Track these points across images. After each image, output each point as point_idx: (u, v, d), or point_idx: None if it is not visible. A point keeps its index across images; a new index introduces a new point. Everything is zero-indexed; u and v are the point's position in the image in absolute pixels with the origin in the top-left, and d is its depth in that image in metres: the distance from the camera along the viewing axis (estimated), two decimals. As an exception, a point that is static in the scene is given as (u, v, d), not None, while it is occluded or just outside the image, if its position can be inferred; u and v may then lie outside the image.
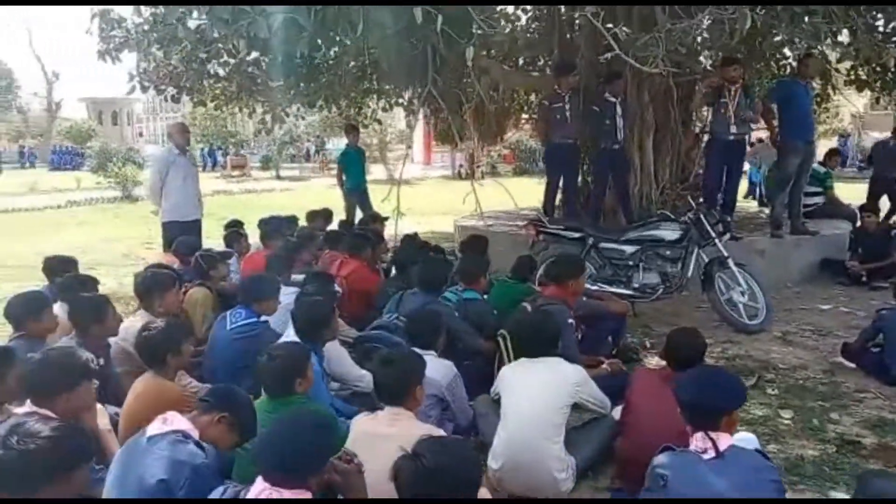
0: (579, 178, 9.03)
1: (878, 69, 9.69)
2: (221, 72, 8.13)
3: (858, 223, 8.49)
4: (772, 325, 6.47)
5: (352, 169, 10.58)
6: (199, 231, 7.89)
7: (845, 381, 5.12)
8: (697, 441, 2.65)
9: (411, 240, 6.46)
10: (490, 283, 5.74)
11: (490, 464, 3.47)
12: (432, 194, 21.76)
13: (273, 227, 7.46)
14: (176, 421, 2.64)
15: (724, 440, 2.62)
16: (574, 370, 3.65)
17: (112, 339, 4.14)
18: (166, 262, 6.53)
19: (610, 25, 5.86)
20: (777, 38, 7.69)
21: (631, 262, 6.62)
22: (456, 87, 8.51)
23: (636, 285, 6.53)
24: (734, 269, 6.53)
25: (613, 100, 8.15)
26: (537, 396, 3.46)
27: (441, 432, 3.17)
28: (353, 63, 8.67)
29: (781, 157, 8.29)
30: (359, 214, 10.54)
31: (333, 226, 9.02)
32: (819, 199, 9.88)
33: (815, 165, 9.19)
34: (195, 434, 2.63)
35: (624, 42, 5.99)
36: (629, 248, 6.65)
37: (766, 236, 8.40)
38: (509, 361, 4.57)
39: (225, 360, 4.51)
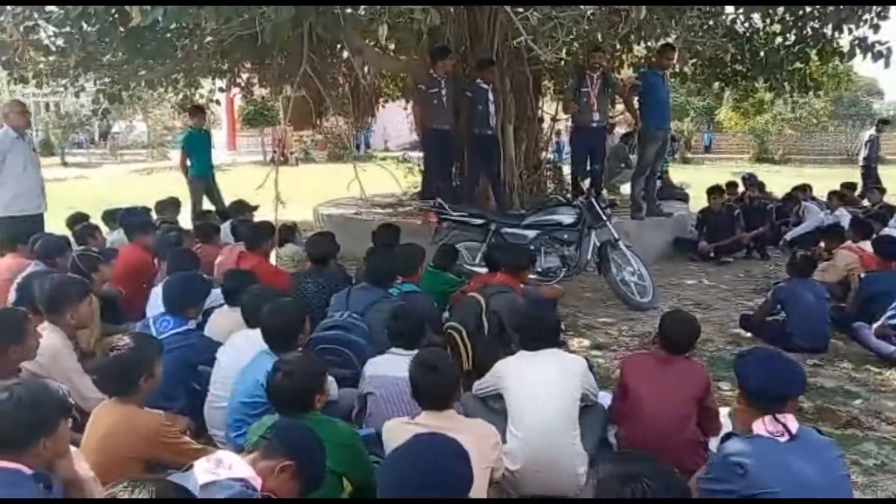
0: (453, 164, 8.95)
1: (706, 64, 10.62)
2: (59, 43, 6.99)
3: (706, 204, 9.24)
4: (658, 302, 6.86)
5: (198, 153, 9.63)
6: (43, 226, 6.77)
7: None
8: (767, 425, 2.65)
9: (326, 234, 5.98)
10: None
11: (507, 466, 3.29)
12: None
13: (140, 219, 6.59)
14: (235, 466, 2.16)
15: (792, 422, 2.66)
16: (576, 360, 3.56)
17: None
18: (13, 265, 5.54)
19: (521, 10, 5.83)
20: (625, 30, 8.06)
21: (532, 247, 6.66)
22: (329, 66, 8.05)
23: (539, 269, 6.59)
24: (624, 249, 6.83)
25: (486, 87, 8.17)
26: (555, 392, 3.32)
27: (492, 427, 2.96)
28: (210, 38, 7.86)
29: (641, 144, 8.80)
30: (206, 203, 9.72)
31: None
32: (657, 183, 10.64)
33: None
34: (258, 483, 2.17)
35: (530, 28, 5.99)
36: (531, 233, 6.70)
37: (627, 218, 8.90)
38: (467, 356, 4.44)
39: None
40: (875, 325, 5.21)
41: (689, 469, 3.04)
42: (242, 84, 11.39)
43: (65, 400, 2.39)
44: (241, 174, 20.66)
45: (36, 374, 3.44)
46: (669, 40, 8.83)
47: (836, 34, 9.26)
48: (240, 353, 3.77)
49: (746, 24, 10.30)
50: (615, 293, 6.71)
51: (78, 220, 6.94)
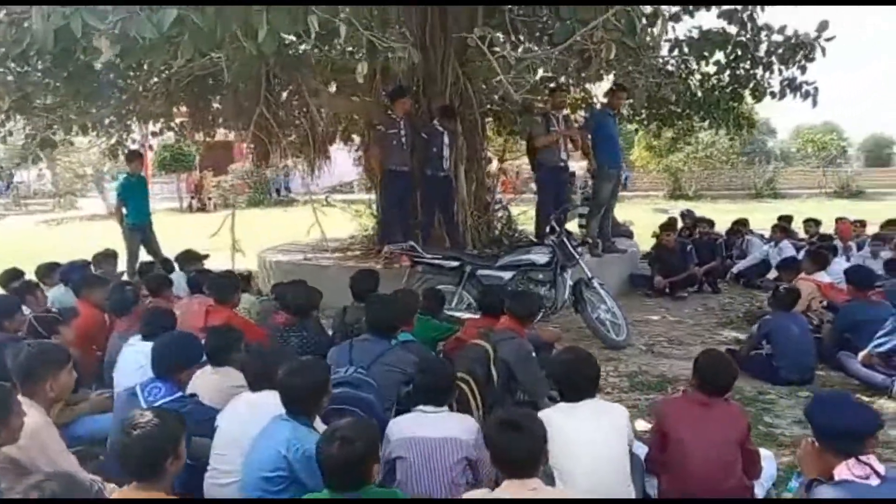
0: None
1: (644, 104, 10.89)
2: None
3: (658, 241, 9.36)
4: (632, 339, 6.81)
5: (134, 201, 9.03)
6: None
7: (742, 385, 5.50)
8: (853, 468, 2.55)
9: (301, 283, 5.61)
10: None
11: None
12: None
13: (89, 275, 6.06)
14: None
15: (878, 464, 2.56)
16: (619, 409, 3.38)
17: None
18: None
19: (497, 49, 5.76)
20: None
21: (509, 288, 6.51)
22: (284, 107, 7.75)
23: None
24: (598, 287, 6.77)
25: (442, 130, 8.08)
26: (606, 446, 3.12)
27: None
28: (154, 80, 7.48)
29: (596, 183, 8.86)
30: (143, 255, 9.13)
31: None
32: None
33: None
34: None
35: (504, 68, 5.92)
36: (506, 275, 6.56)
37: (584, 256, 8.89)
38: (477, 407, 4.18)
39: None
40: (862, 354, 5.29)
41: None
42: (176, 128, 10.92)
43: (101, 494, 2.03)
44: (159, 221, 19.79)
45: (15, 459, 2.99)
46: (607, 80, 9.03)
47: (767, 75, 9.68)
48: (243, 420, 3.40)
49: (683, 66, 10.65)
50: (592, 332, 6.62)
51: (14, 277, 6.35)
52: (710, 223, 10.16)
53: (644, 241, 10.79)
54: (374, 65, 8.83)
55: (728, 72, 10.23)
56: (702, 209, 14.17)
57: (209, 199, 28.31)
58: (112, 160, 10.48)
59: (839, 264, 7.80)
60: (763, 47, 9.08)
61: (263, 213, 25.49)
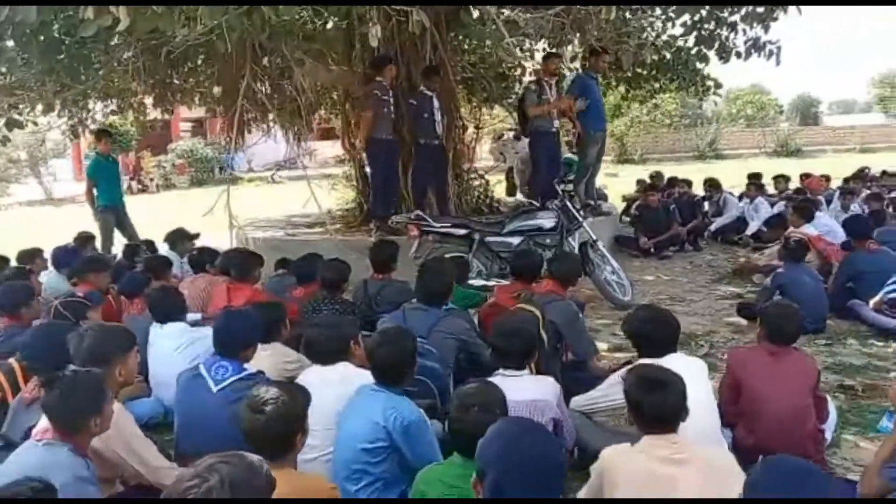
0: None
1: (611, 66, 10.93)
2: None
3: (641, 201, 9.49)
4: (636, 299, 6.91)
5: (106, 182, 8.62)
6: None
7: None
8: None
9: (316, 256, 5.45)
10: None
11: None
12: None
13: (91, 258, 5.79)
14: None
15: None
16: (699, 361, 3.42)
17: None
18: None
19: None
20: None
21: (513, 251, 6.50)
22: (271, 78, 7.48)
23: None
24: (602, 249, 6.83)
25: (430, 94, 7.95)
26: (698, 395, 3.12)
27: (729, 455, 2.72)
28: (129, 54, 7.11)
29: (582, 147, 8.87)
30: (118, 237, 8.75)
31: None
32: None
33: (567, 154, 10.07)
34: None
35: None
36: (515, 240, 6.53)
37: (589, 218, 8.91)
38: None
39: (216, 434, 3.31)
40: (873, 301, 5.49)
41: (814, 461, 3.00)
42: (135, 105, 10.44)
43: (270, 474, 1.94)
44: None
45: (96, 449, 2.84)
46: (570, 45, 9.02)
47: (732, 35, 9.82)
48: (320, 394, 3.29)
49: (650, 28, 10.71)
50: (601, 293, 6.67)
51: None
52: (689, 183, 10.34)
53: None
54: (353, 34, 8.65)
55: (694, 33, 10.40)
56: (650, 172, 14.37)
57: (151, 179, 27.30)
58: (73, 140, 9.89)
59: (821, 217, 8.05)
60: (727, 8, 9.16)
61: (210, 193, 24.76)
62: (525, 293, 4.56)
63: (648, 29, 10.63)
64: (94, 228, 8.41)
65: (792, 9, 8.16)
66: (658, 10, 10.15)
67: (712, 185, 10.51)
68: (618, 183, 16.79)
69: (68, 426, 2.55)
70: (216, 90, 8.30)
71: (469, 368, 4.14)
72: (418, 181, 8.27)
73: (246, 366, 3.47)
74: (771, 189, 10.66)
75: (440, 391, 3.79)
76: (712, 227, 9.86)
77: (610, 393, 3.40)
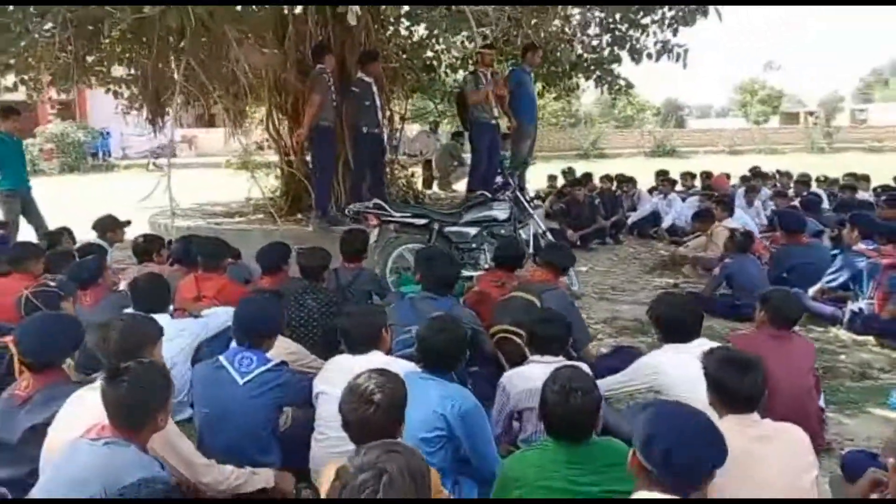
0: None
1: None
2: None
3: (568, 195, 9.76)
4: (583, 289, 7.13)
5: (10, 164, 7.82)
6: None
7: (710, 324, 5.93)
8: None
9: (281, 245, 5.18)
10: None
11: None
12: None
13: (21, 246, 5.25)
14: None
15: None
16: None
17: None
18: None
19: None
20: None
21: (474, 245, 6.53)
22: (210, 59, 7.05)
23: (486, 266, 6.48)
24: (552, 240, 6.99)
25: (369, 80, 7.81)
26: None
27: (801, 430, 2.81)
28: (50, 25, 6.54)
29: (516, 141, 9.01)
30: (24, 225, 8.01)
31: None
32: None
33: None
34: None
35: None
36: (472, 230, 6.54)
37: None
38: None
39: (247, 429, 3.15)
40: (814, 289, 5.94)
41: (817, 438, 3.23)
42: (31, 82, 9.59)
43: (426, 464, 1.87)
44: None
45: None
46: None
47: (643, 36, 10.31)
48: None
49: (566, 28, 11.03)
50: (553, 284, 6.81)
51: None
52: (610, 178, 10.75)
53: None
54: (285, 18, 8.34)
55: (608, 35, 10.82)
56: (537, 169, 14.75)
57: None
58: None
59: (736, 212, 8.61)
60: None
61: (87, 180, 23.12)
62: (521, 282, 4.60)
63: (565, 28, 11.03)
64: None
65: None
66: (576, 10, 10.52)
67: (627, 181, 10.97)
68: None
69: (134, 423, 2.33)
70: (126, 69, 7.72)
71: (471, 357, 4.14)
72: (357, 170, 8.10)
73: (268, 355, 3.31)
74: (678, 186, 11.26)
75: (460, 380, 3.75)
76: (629, 221, 10.29)
77: (635, 378, 3.49)
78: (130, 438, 2.34)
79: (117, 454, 2.27)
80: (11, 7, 6.25)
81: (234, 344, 3.33)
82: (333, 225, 7.54)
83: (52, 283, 4.26)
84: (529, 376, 3.30)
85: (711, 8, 8.89)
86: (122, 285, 5.23)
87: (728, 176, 11.50)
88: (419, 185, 12.03)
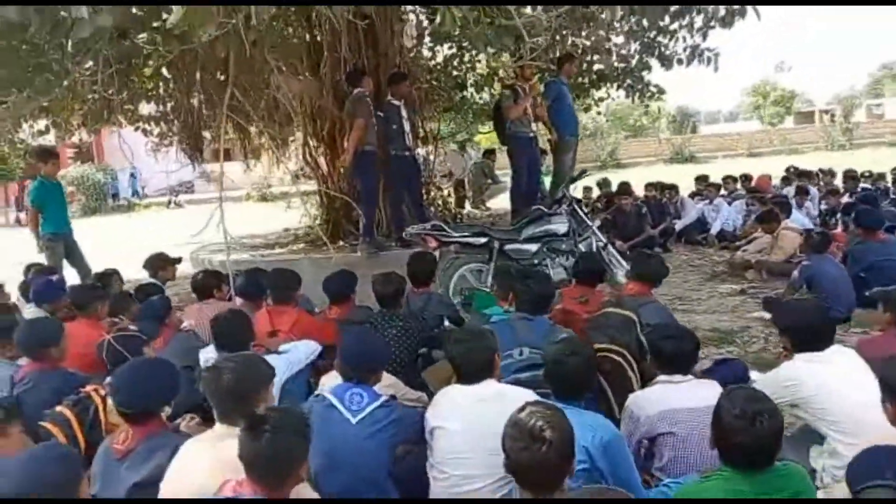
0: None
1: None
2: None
3: (615, 206, 9.54)
4: (646, 301, 6.88)
5: (52, 207, 7.71)
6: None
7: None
8: None
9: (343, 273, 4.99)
10: None
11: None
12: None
13: (81, 288, 5.10)
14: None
15: None
16: (853, 350, 3.34)
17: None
18: None
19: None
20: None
21: (536, 261, 6.33)
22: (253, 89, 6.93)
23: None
24: (613, 251, 6.78)
25: (398, 103, 7.62)
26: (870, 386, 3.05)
27: None
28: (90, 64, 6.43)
29: (558, 154, 8.81)
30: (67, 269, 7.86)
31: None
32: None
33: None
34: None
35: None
36: (532, 247, 6.36)
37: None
38: (636, 378, 3.95)
39: (364, 471, 2.93)
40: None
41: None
42: (63, 124, 9.53)
43: None
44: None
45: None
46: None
47: (671, 43, 10.13)
48: (478, 415, 2.95)
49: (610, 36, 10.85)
50: (620, 297, 6.58)
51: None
52: (657, 187, 10.54)
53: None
54: (320, 44, 8.21)
55: (636, 42, 10.64)
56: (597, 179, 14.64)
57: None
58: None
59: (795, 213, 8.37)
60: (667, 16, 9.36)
61: (110, 221, 23.09)
62: (613, 298, 4.39)
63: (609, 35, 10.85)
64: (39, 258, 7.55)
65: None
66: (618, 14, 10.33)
67: (670, 187, 10.74)
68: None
69: (278, 478, 2.11)
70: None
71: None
72: (395, 195, 7.92)
73: (377, 389, 3.09)
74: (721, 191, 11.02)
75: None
76: (676, 228, 10.05)
77: (775, 392, 3.18)
78: (271, 494, 2.12)
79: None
80: (49, 47, 6.13)
81: (338, 380, 3.12)
82: (381, 250, 7.36)
83: (133, 327, 4.07)
84: (661, 398, 3.07)
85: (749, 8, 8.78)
86: (186, 324, 5.05)
87: (769, 177, 11.26)
88: (453, 205, 11.88)
